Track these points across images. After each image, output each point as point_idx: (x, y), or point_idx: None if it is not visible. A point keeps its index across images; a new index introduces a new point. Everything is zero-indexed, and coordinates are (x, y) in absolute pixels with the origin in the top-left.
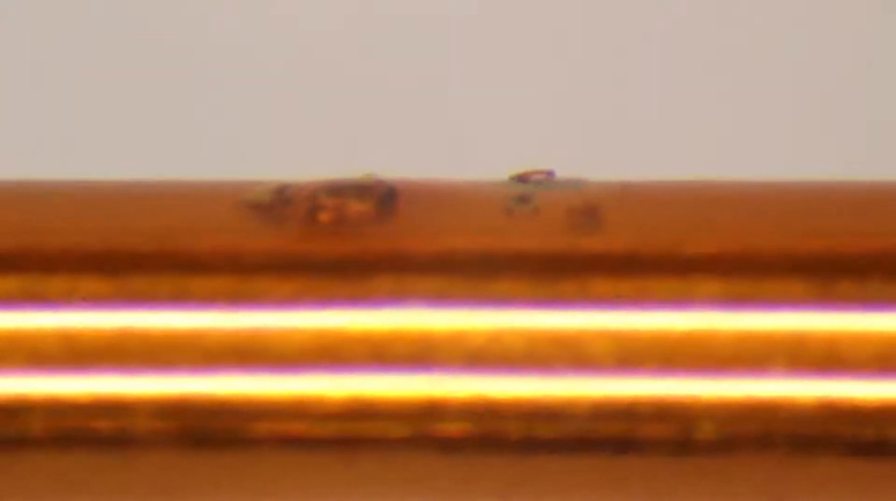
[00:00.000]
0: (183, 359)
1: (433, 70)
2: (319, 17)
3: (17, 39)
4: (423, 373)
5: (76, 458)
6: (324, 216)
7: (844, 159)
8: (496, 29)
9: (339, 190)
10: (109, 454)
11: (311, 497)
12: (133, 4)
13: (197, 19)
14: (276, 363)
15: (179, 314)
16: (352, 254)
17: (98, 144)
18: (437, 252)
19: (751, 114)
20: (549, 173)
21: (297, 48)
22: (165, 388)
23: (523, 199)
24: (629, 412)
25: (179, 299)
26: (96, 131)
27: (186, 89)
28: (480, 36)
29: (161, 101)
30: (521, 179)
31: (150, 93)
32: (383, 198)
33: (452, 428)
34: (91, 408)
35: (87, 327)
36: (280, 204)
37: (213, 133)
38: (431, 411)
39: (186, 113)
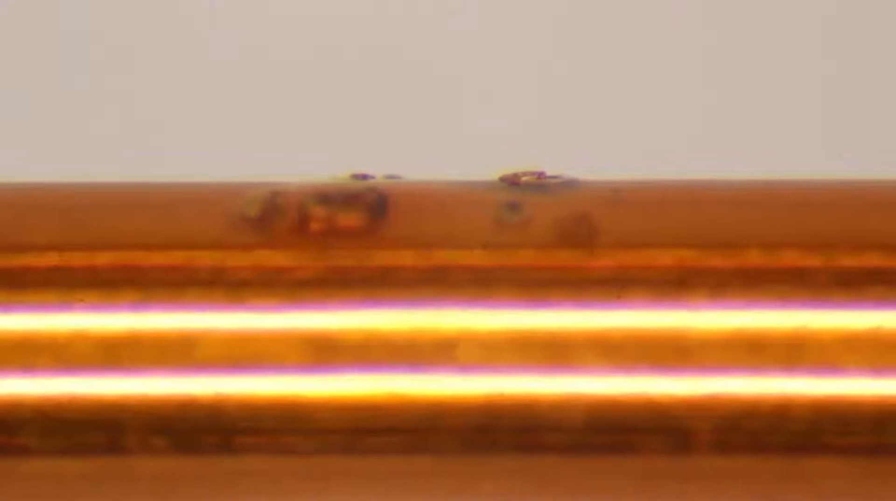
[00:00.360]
0: (174, 366)
1: (427, 64)
2: (315, 15)
3: (12, 34)
4: (416, 378)
5: (69, 465)
6: (314, 226)
7: (845, 160)
8: (491, 26)
9: (330, 199)
10: (103, 461)
11: (308, 496)
12: (125, 5)
13: (193, 19)
14: (270, 371)
15: (170, 322)
16: (342, 266)
17: (91, 145)
18: (427, 267)
19: (748, 112)
20: (540, 174)
21: (291, 45)
22: (158, 395)
23: (514, 207)
24: (624, 415)
25: (172, 308)
26: (91, 131)
27: (182, 84)
28: (475, 32)
29: (156, 95)
30: (512, 181)
31: (143, 88)
32: (374, 207)
33: (447, 434)
34: (84, 415)
35: (80, 334)
36: (271, 213)
37: (208, 128)
38: (425, 418)
39: (182, 108)
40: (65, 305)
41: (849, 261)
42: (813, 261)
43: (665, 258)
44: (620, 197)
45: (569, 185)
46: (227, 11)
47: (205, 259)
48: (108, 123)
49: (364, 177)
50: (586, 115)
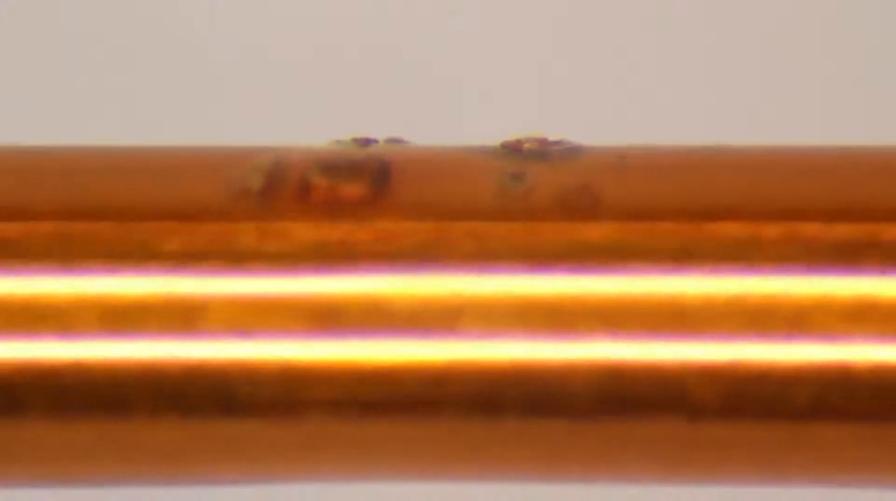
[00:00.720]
0: (178, 333)
1: (427, 64)
2: (315, 15)
3: (12, 34)
4: (420, 346)
5: (72, 432)
6: (317, 196)
7: (848, 126)
8: (490, 26)
9: (332, 168)
10: (106, 427)
11: (312, 464)
12: (125, 5)
13: (193, 19)
14: (279, 334)
15: (174, 289)
16: (344, 236)
17: (90, 109)
18: (430, 236)
19: (748, 112)
20: (543, 140)
21: (291, 45)
22: (162, 361)
23: (517, 176)
24: (628, 384)
25: (176, 275)
26: (91, 131)
27: (182, 84)
28: (475, 32)
29: (156, 95)
30: (514, 147)
31: (140, 61)
32: (376, 176)
33: (451, 402)
34: (87, 382)
35: (83, 301)
36: (274, 183)
37: (208, 128)
38: (429, 386)
39: (182, 108)
40: (67, 271)
41: (853, 228)
42: (817, 228)
43: (669, 226)
44: (626, 163)
45: (573, 151)
46: (227, 11)
47: (208, 227)
48: (108, 123)
49: (367, 141)
50: (586, 114)
